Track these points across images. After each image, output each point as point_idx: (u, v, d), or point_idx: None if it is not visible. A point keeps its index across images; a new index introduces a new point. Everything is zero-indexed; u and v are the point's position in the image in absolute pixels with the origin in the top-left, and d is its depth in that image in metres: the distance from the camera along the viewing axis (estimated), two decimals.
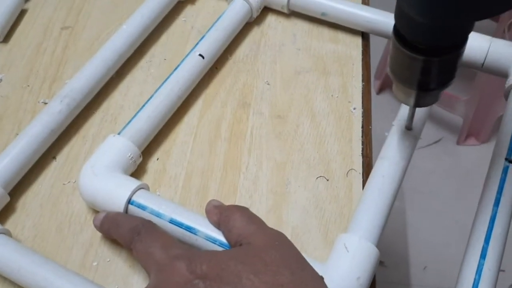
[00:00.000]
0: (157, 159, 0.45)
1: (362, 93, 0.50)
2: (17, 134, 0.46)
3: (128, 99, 0.49)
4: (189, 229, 0.37)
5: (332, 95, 0.50)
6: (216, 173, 0.44)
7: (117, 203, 0.38)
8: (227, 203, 0.42)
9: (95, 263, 0.39)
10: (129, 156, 0.42)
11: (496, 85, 1.29)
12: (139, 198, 0.39)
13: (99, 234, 0.40)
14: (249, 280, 0.30)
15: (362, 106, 0.49)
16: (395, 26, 0.34)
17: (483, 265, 0.37)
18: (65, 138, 0.46)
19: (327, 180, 0.44)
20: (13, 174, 0.42)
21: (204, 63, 0.49)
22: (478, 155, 1.41)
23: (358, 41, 0.55)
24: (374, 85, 1.52)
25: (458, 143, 1.43)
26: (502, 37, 1.19)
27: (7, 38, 0.54)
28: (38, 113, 0.45)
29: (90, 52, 0.53)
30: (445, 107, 1.40)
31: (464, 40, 0.34)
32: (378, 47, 1.39)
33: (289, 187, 0.44)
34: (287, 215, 0.42)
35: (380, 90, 1.53)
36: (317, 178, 0.44)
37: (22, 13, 0.56)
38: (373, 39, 0.56)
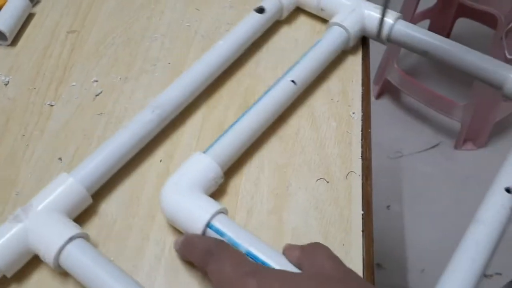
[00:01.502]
0: (160, 161, 0.46)
1: (362, 98, 0.51)
2: (24, 136, 0.47)
3: (132, 102, 0.50)
4: (264, 264, 0.37)
5: (332, 99, 0.51)
6: None
7: (196, 225, 0.39)
8: (228, 204, 0.43)
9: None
10: (212, 177, 0.42)
11: (493, 91, 1.30)
12: (217, 222, 0.39)
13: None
14: None
15: (362, 110, 0.50)
16: None
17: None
18: None
19: (327, 182, 0.45)
20: (98, 178, 0.42)
21: (295, 89, 0.48)
22: (475, 160, 1.42)
23: (358, 46, 0.56)
24: (373, 90, 1.54)
25: (455, 147, 1.45)
26: (500, 44, 1.20)
27: (14, 41, 0.55)
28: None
29: (95, 55, 0.54)
30: (443, 112, 1.41)
31: None
32: (377, 53, 1.40)
33: (290, 189, 0.45)
34: (288, 216, 0.43)
35: (379, 95, 1.55)
36: (317, 180, 0.45)
37: (30, 16, 0.57)
38: (371, 45, 0.57)
